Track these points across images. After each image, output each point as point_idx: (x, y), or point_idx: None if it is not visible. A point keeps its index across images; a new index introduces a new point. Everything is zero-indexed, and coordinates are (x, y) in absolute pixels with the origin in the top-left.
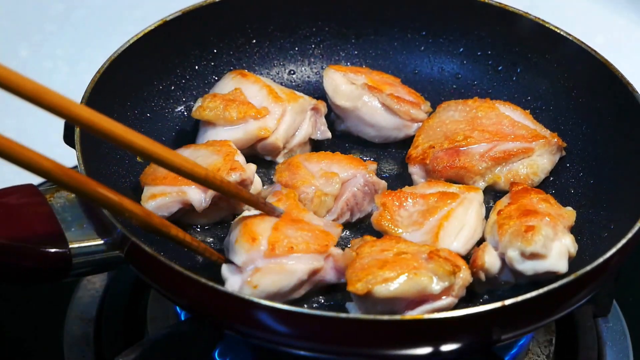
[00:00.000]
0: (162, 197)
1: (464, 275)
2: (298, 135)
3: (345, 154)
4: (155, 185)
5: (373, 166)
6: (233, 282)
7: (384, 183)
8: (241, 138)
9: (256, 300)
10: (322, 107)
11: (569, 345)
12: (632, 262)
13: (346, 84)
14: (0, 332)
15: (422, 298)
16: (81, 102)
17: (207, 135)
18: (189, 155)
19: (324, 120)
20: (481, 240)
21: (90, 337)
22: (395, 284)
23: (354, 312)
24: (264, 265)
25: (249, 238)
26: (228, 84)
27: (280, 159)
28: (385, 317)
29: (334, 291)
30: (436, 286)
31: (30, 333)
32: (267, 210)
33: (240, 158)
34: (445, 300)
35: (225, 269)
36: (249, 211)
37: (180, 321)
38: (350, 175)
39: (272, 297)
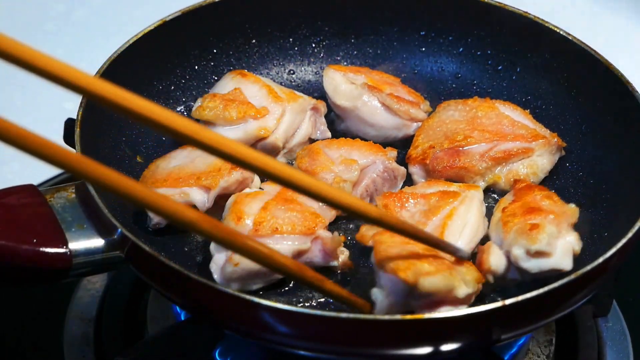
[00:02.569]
0: None
1: (481, 287)
2: (298, 135)
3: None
4: (156, 188)
5: (393, 153)
6: (218, 259)
7: (403, 169)
8: (241, 138)
9: (257, 300)
10: (322, 107)
11: (569, 345)
12: (632, 262)
13: (346, 84)
14: (0, 331)
15: (443, 299)
16: (81, 102)
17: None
18: (186, 155)
19: (323, 120)
20: (484, 238)
21: (90, 337)
22: (437, 278)
23: (380, 299)
24: None
25: (235, 217)
26: (228, 83)
27: (280, 159)
28: (386, 317)
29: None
30: (462, 290)
31: (31, 333)
32: None
33: None
34: (460, 307)
35: (213, 245)
36: (249, 189)
37: (180, 321)
38: (370, 161)
39: (254, 275)
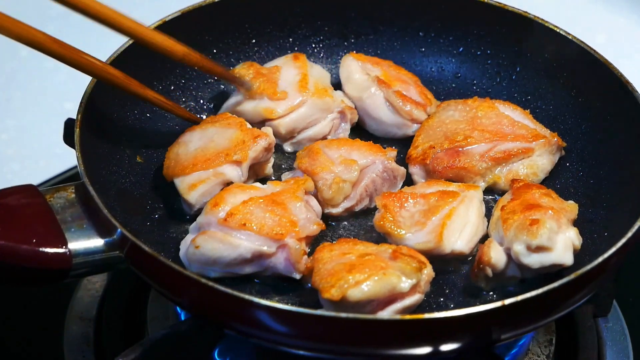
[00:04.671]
0: (202, 184)
1: (428, 271)
2: (310, 130)
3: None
4: (187, 174)
5: (392, 153)
6: (187, 238)
7: (402, 169)
8: (249, 111)
9: (256, 300)
10: (350, 113)
11: (569, 345)
12: (632, 262)
13: (360, 74)
14: (0, 332)
15: (392, 297)
16: (81, 102)
17: (229, 100)
18: (200, 135)
19: (348, 126)
20: (484, 238)
21: (90, 337)
22: (367, 286)
23: None
24: (212, 230)
25: (214, 202)
26: (278, 61)
27: (287, 147)
28: (386, 317)
29: None
30: (405, 284)
31: (31, 333)
32: (238, 82)
33: (249, 125)
34: (414, 298)
35: (192, 225)
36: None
37: (180, 321)
38: (370, 161)
39: (211, 263)
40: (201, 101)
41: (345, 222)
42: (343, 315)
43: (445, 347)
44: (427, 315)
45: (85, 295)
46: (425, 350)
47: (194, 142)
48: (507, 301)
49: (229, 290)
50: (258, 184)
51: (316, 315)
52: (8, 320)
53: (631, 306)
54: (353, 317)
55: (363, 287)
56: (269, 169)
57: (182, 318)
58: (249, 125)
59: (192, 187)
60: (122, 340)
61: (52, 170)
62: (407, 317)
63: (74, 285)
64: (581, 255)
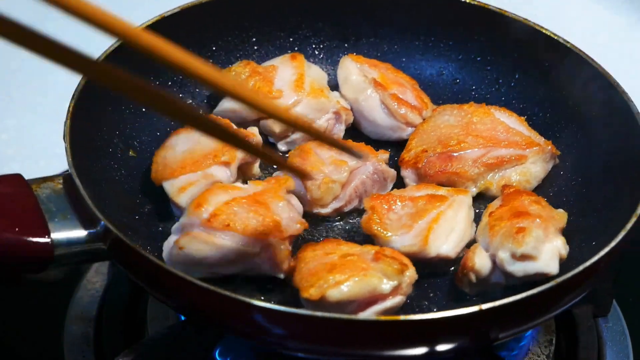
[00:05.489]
0: (192, 186)
1: (411, 273)
2: None
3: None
4: (176, 177)
5: (384, 155)
6: (170, 240)
7: (393, 172)
8: (244, 109)
9: (256, 302)
10: (345, 114)
11: (569, 345)
12: (631, 262)
13: (357, 75)
14: (0, 332)
15: (372, 299)
16: (74, 93)
17: (224, 101)
18: (186, 138)
19: (342, 127)
20: (471, 243)
21: (90, 337)
22: (346, 287)
23: None
24: (196, 232)
25: (197, 203)
26: (276, 61)
27: (281, 146)
28: (383, 318)
29: None
30: (386, 285)
31: (31, 333)
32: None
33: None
34: (395, 299)
35: (174, 226)
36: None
37: (180, 321)
38: (360, 163)
39: (196, 264)
40: (198, 97)
41: (335, 223)
42: (319, 314)
43: (443, 347)
44: (402, 317)
45: (85, 295)
46: (423, 350)
47: (180, 145)
48: (485, 306)
49: (225, 292)
50: (239, 184)
51: (315, 316)
52: (8, 320)
53: (631, 306)
54: (329, 317)
55: (343, 287)
56: (256, 169)
57: (182, 318)
58: (234, 127)
59: (182, 189)
60: (122, 340)
61: (52, 170)
62: (383, 318)
63: (74, 285)
64: (568, 264)
